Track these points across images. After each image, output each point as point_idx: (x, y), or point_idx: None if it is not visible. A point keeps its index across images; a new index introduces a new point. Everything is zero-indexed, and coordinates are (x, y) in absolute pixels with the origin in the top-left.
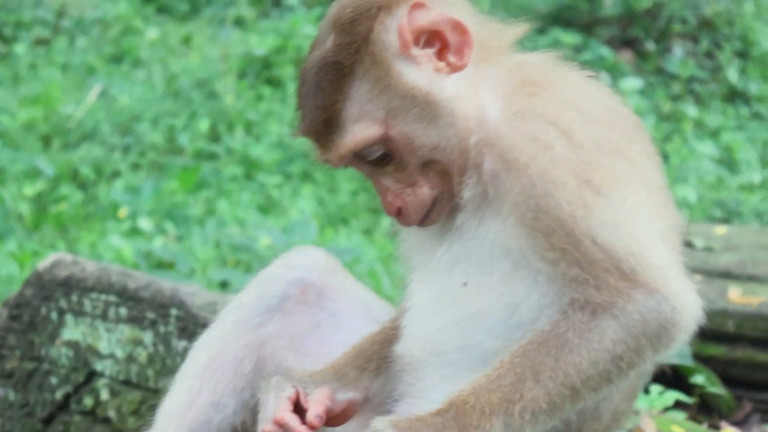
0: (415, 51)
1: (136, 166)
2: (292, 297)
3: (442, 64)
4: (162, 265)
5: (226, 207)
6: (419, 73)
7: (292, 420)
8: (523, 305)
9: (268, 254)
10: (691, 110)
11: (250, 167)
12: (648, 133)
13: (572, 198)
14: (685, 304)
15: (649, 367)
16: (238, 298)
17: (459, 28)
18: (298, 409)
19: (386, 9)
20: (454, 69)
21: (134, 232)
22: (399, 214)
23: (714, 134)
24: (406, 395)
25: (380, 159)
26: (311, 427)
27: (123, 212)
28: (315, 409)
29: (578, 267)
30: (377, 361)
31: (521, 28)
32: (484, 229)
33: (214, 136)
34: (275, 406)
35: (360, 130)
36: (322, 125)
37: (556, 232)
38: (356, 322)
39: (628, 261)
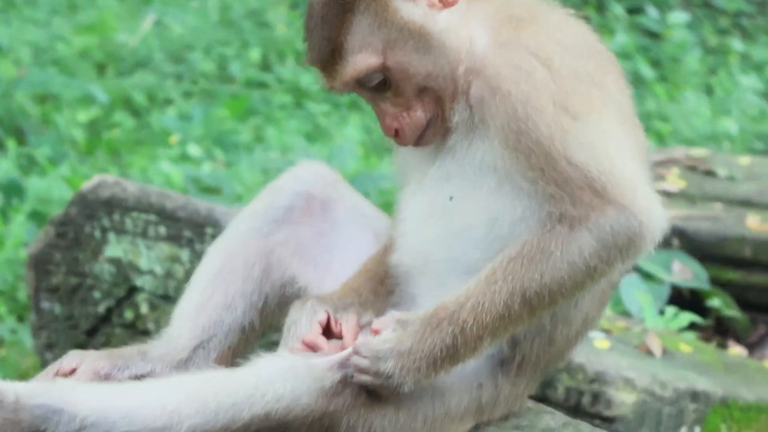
0: None
1: (187, 94)
2: (298, 207)
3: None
4: (209, 191)
5: (274, 134)
6: (415, 8)
7: (324, 343)
8: (504, 219)
9: None
10: (737, 44)
11: (300, 96)
12: (621, 67)
13: (550, 122)
14: (652, 218)
15: (617, 276)
16: (249, 208)
17: None
18: (327, 333)
19: None
20: (447, 4)
21: (184, 157)
22: (396, 135)
23: (759, 68)
24: (399, 302)
25: (379, 86)
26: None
27: (174, 138)
28: (350, 336)
29: (555, 185)
30: (387, 282)
31: None
32: (473, 149)
33: (265, 65)
34: (308, 328)
35: (361, 59)
36: (328, 55)
37: (536, 153)
38: (356, 231)
39: (600, 179)
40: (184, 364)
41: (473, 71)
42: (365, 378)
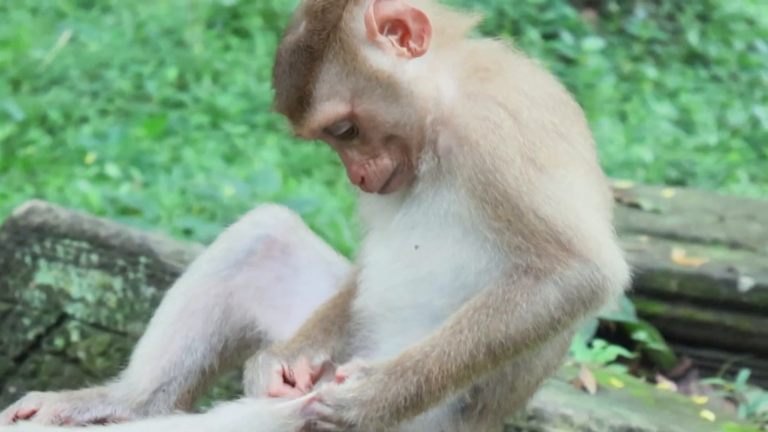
0: (380, 38)
1: (103, 112)
2: (258, 252)
3: (404, 49)
4: (128, 212)
5: (191, 155)
6: (383, 57)
7: (290, 391)
8: (469, 268)
9: (231, 204)
10: (650, 71)
11: (216, 116)
12: (584, 117)
13: (518, 174)
14: (615, 272)
15: (578, 326)
16: (209, 252)
17: (420, 17)
18: (285, 382)
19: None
20: (415, 54)
21: (101, 177)
22: (362, 183)
23: (672, 95)
24: (361, 347)
25: (347, 133)
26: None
27: (90, 158)
28: (302, 380)
29: (521, 236)
30: (339, 321)
31: (476, 17)
32: (439, 198)
33: (181, 85)
34: (268, 382)
35: (329, 107)
36: (295, 103)
37: (503, 205)
38: (316, 276)
39: (566, 233)
40: (144, 407)
41: (441, 121)
42: (328, 426)
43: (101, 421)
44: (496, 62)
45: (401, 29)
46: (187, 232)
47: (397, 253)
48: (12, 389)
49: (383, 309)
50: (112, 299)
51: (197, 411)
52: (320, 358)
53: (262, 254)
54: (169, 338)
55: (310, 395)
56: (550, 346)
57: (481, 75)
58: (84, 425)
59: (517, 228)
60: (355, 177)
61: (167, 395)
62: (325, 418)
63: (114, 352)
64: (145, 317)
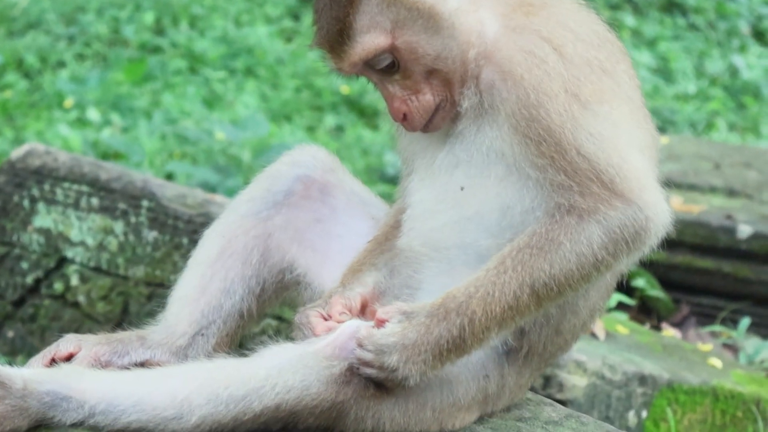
0: None
1: (81, 57)
2: (297, 192)
3: None
4: (108, 156)
5: (171, 100)
6: None
7: (329, 326)
8: (515, 208)
9: (214, 148)
10: (628, 19)
11: (195, 61)
12: (629, 56)
13: (562, 110)
14: (658, 213)
15: (621, 267)
16: (247, 192)
17: None
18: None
19: None
20: None
21: (80, 122)
22: (404, 120)
23: (651, 44)
24: (406, 285)
25: (388, 67)
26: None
27: (69, 102)
28: (335, 310)
29: (564, 174)
30: (382, 258)
31: None
32: (482, 135)
33: (158, 29)
34: (309, 325)
35: (370, 39)
36: (336, 36)
37: (546, 141)
38: (355, 217)
39: (609, 172)
40: (183, 351)
41: (484, 55)
42: (370, 371)
43: (141, 365)
44: None
45: None
46: (169, 176)
47: (441, 193)
48: (10, 333)
49: (428, 249)
50: (113, 243)
51: (236, 354)
52: (355, 290)
53: (301, 195)
54: (208, 280)
55: (344, 330)
56: (594, 288)
57: (525, 9)
58: (124, 368)
59: (560, 165)
60: (397, 113)
61: (206, 339)
62: (366, 364)
63: (115, 296)
64: (147, 261)
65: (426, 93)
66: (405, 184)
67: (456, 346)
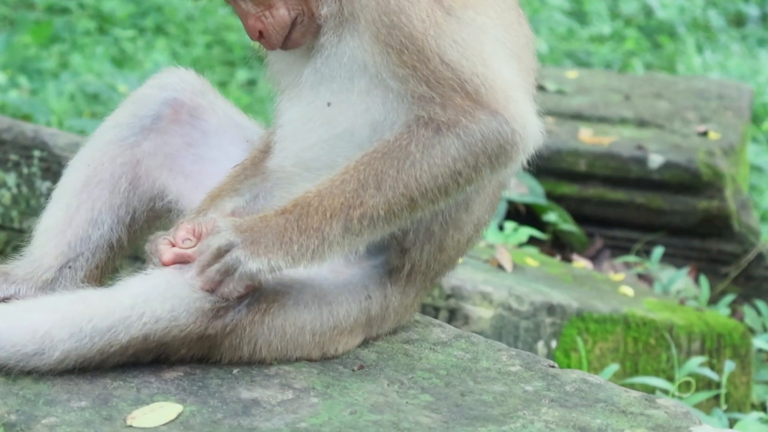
0: None
1: None
2: (165, 116)
3: None
4: (17, 117)
5: (80, 61)
6: None
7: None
8: (385, 123)
9: None
10: None
11: (104, 21)
12: None
13: (424, 16)
14: (525, 127)
15: (505, 179)
16: (113, 118)
17: None
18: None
19: None
20: None
21: None
22: (261, 38)
23: None
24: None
25: None
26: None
27: None
28: (179, 236)
29: (426, 85)
30: (249, 182)
31: None
32: (343, 46)
33: None
34: (158, 253)
35: None
36: None
37: (408, 49)
38: (227, 140)
39: (473, 82)
40: (50, 285)
41: None
42: (211, 270)
43: (4, 302)
44: None
45: None
46: (80, 134)
47: (309, 111)
48: None
49: (300, 169)
50: (6, 196)
51: (105, 286)
52: (208, 215)
53: (170, 119)
54: (74, 211)
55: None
56: (477, 202)
57: None
58: None
59: (422, 75)
60: (252, 31)
61: (74, 272)
62: (204, 257)
63: (11, 250)
64: (42, 212)
65: (280, 7)
66: (276, 104)
67: (300, 242)
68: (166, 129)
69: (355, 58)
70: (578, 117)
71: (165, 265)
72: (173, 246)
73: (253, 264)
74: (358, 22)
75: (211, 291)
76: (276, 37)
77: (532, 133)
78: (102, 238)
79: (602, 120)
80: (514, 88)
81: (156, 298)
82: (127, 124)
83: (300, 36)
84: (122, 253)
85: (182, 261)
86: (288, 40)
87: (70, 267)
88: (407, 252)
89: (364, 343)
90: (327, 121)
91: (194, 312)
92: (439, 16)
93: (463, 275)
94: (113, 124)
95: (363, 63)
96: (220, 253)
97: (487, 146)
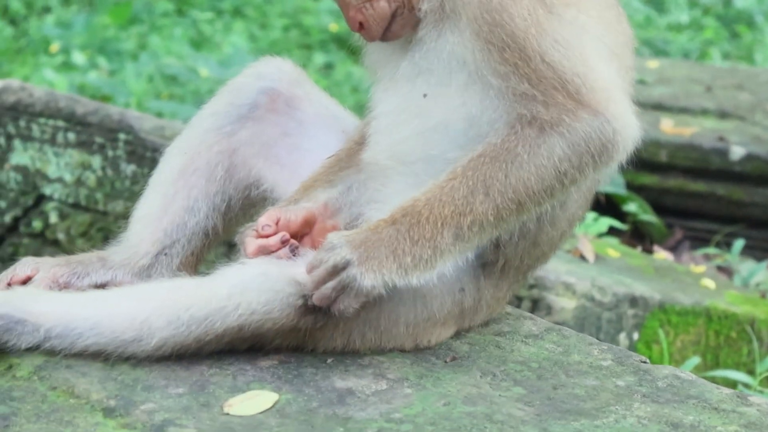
0: None
1: (66, 1)
2: (262, 105)
3: None
4: (96, 98)
5: (158, 42)
6: None
7: (272, 242)
8: (482, 118)
9: (202, 87)
10: None
11: (182, 2)
12: None
13: (526, 14)
14: (625, 126)
15: (599, 179)
16: (210, 106)
17: None
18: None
19: None
20: None
21: (67, 66)
22: (361, 29)
23: None
24: (372, 200)
25: None
26: (262, 236)
27: (55, 47)
28: (260, 223)
29: (528, 82)
30: (342, 173)
31: None
32: (443, 41)
33: None
34: (246, 244)
35: None
36: None
37: (509, 47)
38: (323, 130)
39: (574, 81)
40: (146, 271)
41: None
42: (327, 288)
43: (101, 287)
44: None
45: None
46: (158, 116)
47: (405, 103)
48: None
49: (394, 162)
50: (91, 178)
51: (201, 274)
52: (299, 205)
53: (266, 108)
54: (170, 198)
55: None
56: (574, 197)
57: None
58: (84, 290)
59: (523, 73)
60: (353, 22)
61: (170, 258)
62: (319, 273)
63: (95, 232)
64: (126, 195)
65: (380, 0)
66: (371, 95)
67: (412, 250)
68: (263, 118)
69: (454, 53)
70: (659, 107)
71: (249, 257)
72: (258, 236)
73: (369, 281)
74: (459, 19)
75: (327, 306)
76: (376, 29)
77: (631, 132)
78: (198, 225)
79: (683, 111)
80: (613, 87)
81: (252, 290)
82: (225, 112)
83: (399, 28)
84: (217, 240)
85: (265, 252)
86: (387, 32)
87: (166, 254)
88: (501, 247)
89: (457, 335)
90: (422, 113)
91: (287, 306)
92: (541, 15)
93: (547, 265)
94: (210, 113)
95: (462, 58)
96: (336, 271)
97: (590, 145)
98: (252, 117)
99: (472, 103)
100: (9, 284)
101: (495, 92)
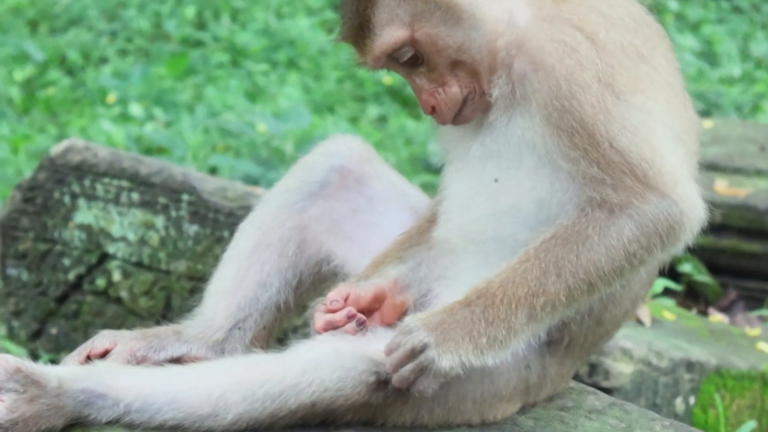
0: None
1: (123, 52)
2: (333, 183)
3: None
4: (152, 151)
5: (214, 93)
6: None
7: (340, 317)
8: (551, 201)
9: (257, 141)
10: (672, 3)
11: (237, 54)
12: (668, 39)
13: (594, 101)
14: (692, 208)
15: (664, 260)
16: (282, 184)
17: None
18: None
19: None
20: None
21: (123, 117)
22: (433, 112)
23: (695, 27)
24: (442, 277)
25: (412, 60)
26: (330, 311)
27: (111, 98)
28: (329, 297)
29: (597, 167)
30: (413, 248)
31: None
32: (514, 126)
33: (200, 23)
34: (315, 320)
35: (389, 33)
36: (357, 30)
37: (578, 133)
38: (392, 207)
39: (642, 166)
40: (220, 345)
41: (515, 45)
42: (406, 370)
43: (177, 360)
44: None
45: None
46: (212, 170)
47: (476, 185)
48: (54, 330)
49: (465, 241)
50: (154, 237)
51: (273, 348)
52: (370, 281)
53: (337, 185)
54: (243, 273)
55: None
56: (636, 279)
57: None
58: (161, 364)
59: (592, 158)
60: (425, 106)
61: (243, 332)
62: (397, 354)
63: (157, 291)
64: (189, 255)
65: (453, 85)
66: (443, 175)
67: (488, 334)
68: (333, 195)
69: (524, 137)
70: (714, 167)
71: (317, 332)
72: (327, 311)
73: (446, 362)
74: (530, 104)
75: (406, 388)
76: (448, 113)
77: (697, 213)
78: (270, 300)
79: (738, 171)
80: (680, 171)
81: (325, 367)
82: (296, 189)
83: (470, 113)
84: (288, 314)
85: (332, 327)
86: (459, 116)
87: (239, 328)
88: (567, 326)
89: (522, 410)
90: (493, 196)
91: (359, 383)
92: (609, 101)
93: None
94: (283, 190)
95: (532, 143)
96: (414, 353)
97: (658, 227)
98: (323, 194)
99: (542, 187)
100: (88, 357)
101: (565, 176)
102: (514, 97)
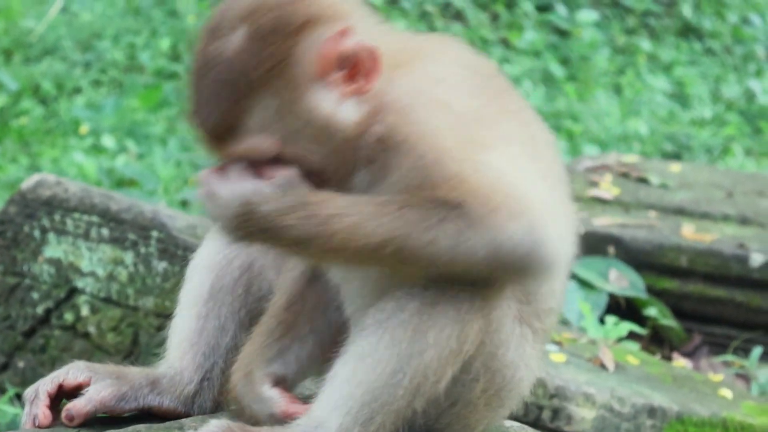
0: (331, 76)
1: (97, 83)
2: None
3: (349, 88)
4: (124, 183)
5: (186, 126)
6: (327, 97)
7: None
8: None
9: None
10: (645, 44)
11: None
12: (515, 88)
13: (457, 159)
14: (554, 244)
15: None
16: None
17: (373, 55)
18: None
19: (311, 26)
20: (360, 93)
21: (96, 148)
22: None
23: (667, 69)
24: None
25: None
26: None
27: (84, 129)
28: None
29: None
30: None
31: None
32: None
33: (174, 55)
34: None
35: (257, 143)
36: (221, 130)
37: (441, 187)
38: None
39: (506, 196)
40: (191, 399)
41: (375, 137)
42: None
43: (147, 410)
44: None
45: (351, 67)
46: (183, 204)
47: None
48: (21, 364)
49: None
50: (123, 273)
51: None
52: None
53: None
54: (204, 319)
55: None
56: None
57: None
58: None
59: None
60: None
61: (211, 383)
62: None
63: (125, 327)
64: (157, 292)
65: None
66: None
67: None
68: None
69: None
70: (681, 212)
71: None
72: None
73: (244, 219)
74: (391, 182)
75: None
76: None
77: (559, 249)
78: (228, 345)
79: (705, 216)
80: (545, 205)
81: None
82: None
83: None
84: (237, 354)
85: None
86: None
87: (208, 379)
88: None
89: None
90: None
91: None
92: (472, 155)
93: (567, 375)
94: None
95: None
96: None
97: (516, 251)
98: None
99: None
100: (61, 386)
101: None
102: (374, 182)
